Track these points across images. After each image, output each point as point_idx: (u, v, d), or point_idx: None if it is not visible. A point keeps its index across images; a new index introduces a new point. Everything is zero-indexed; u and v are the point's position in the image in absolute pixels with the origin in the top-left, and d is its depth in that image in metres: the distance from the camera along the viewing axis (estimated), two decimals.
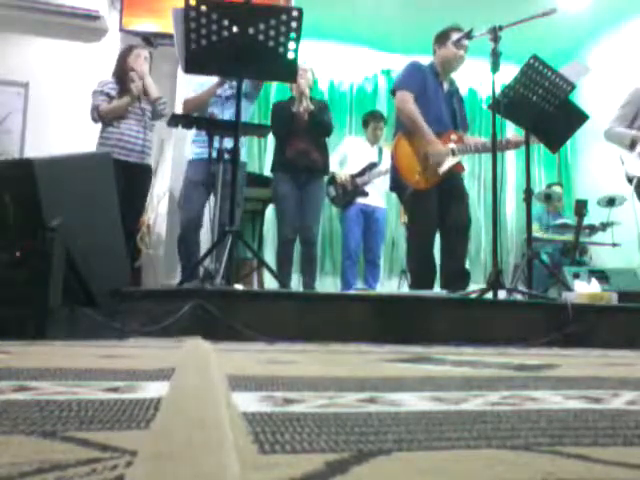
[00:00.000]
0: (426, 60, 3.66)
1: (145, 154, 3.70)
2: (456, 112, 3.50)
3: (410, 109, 3.32)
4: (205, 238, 3.69)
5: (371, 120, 4.82)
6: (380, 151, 4.77)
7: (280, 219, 3.94)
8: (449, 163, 3.30)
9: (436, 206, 3.31)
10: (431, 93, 3.40)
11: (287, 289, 3.07)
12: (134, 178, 3.55)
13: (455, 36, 3.41)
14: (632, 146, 3.68)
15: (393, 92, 3.48)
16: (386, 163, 4.62)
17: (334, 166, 4.79)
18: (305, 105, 3.82)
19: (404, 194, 3.43)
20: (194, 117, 3.61)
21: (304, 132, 3.86)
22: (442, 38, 3.51)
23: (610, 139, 3.85)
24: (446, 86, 3.54)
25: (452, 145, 3.32)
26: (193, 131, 3.76)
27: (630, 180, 3.75)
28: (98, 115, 3.62)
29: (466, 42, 3.42)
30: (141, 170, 3.67)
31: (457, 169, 3.36)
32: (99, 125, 3.70)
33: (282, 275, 3.88)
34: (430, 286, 3.26)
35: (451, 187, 3.35)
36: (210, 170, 3.44)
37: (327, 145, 4.10)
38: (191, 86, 3.87)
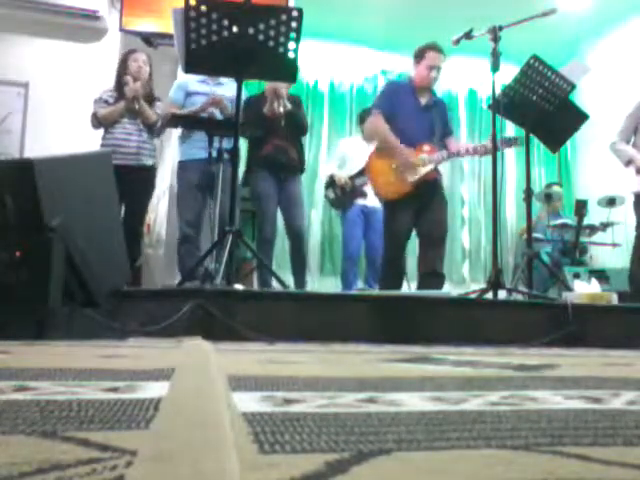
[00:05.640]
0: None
1: (142, 155, 3.69)
2: (434, 124, 3.59)
3: (378, 129, 3.56)
4: (205, 238, 3.69)
5: (368, 115, 4.82)
6: None
7: (262, 218, 3.84)
8: (419, 173, 3.44)
9: (411, 214, 3.48)
10: (405, 110, 3.54)
11: (287, 289, 3.07)
12: (133, 181, 3.55)
13: (431, 56, 3.52)
14: (627, 164, 3.75)
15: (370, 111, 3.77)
16: None
17: (333, 169, 4.79)
18: (282, 108, 3.73)
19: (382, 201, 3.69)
20: (194, 117, 3.62)
21: (280, 130, 3.76)
22: (417, 57, 3.60)
23: (613, 154, 3.92)
24: (424, 100, 3.63)
25: (423, 155, 3.46)
26: (179, 132, 3.77)
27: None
28: (97, 121, 3.68)
29: (439, 62, 3.54)
30: (139, 172, 3.67)
31: (430, 177, 3.50)
32: (94, 127, 3.74)
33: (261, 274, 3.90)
34: (398, 288, 3.52)
35: (429, 196, 3.51)
36: (206, 171, 3.46)
37: (303, 143, 4.05)
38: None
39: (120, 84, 3.69)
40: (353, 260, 4.62)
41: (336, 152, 4.90)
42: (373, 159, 3.61)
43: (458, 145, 3.65)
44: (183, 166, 3.74)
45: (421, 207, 3.48)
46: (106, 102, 3.69)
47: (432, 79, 3.57)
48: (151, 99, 3.76)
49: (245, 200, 4.13)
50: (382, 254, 3.63)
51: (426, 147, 3.49)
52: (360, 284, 4.77)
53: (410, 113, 3.54)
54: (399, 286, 3.57)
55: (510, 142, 3.36)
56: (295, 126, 3.84)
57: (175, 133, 4.47)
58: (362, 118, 4.86)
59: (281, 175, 3.81)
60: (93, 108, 3.70)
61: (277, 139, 3.79)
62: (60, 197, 1.88)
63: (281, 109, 3.74)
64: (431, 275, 3.46)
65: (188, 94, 3.75)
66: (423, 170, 3.44)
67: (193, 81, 3.77)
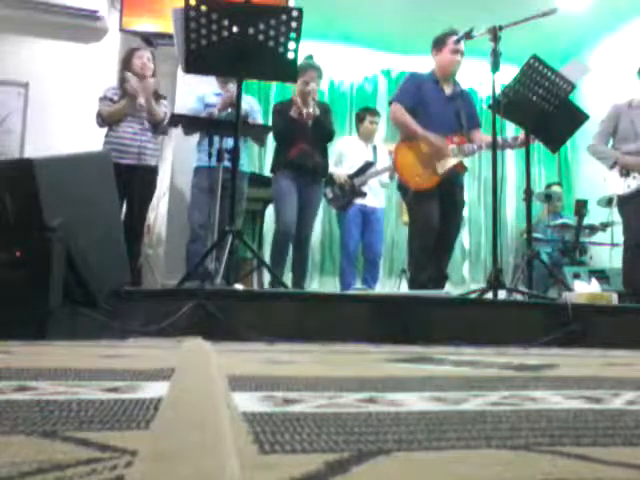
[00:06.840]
0: (426, 60, 3.67)
1: (145, 155, 3.69)
2: (460, 114, 3.54)
3: (402, 119, 3.47)
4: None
5: (367, 114, 4.83)
6: (374, 150, 4.76)
7: (280, 216, 3.88)
8: (449, 163, 3.37)
9: (437, 207, 3.38)
10: (430, 100, 3.49)
11: (287, 289, 3.07)
12: (135, 180, 3.55)
13: (451, 41, 3.48)
14: (612, 167, 3.75)
15: (390, 104, 3.63)
16: (382, 162, 4.62)
17: (330, 167, 4.79)
18: (310, 111, 3.78)
19: (407, 195, 3.55)
20: (194, 117, 3.62)
21: (307, 135, 3.83)
22: (438, 44, 3.57)
23: (593, 155, 3.92)
24: (449, 90, 3.59)
25: (452, 146, 3.40)
26: (196, 138, 3.79)
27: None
28: (101, 120, 3.68)
29: (462, 46, 3.50)
30: (142, 172, 3.66)
31: (458, 169, 3.44)
32: (100, 125, 3.73)
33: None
34: (430, 287, 3.30)
35: (451, 196, 3.46)
36: (217, 177, 3.47)
37: (327, 149, 4.10)
38: (190, 97, 3.90)
39: (124, 81, 3.69)
40: (350, 259, 4.61)
41: (333, 150, 4.91)
42: (400, 150, 3.51)
43: (488, 137, 3.47)
44: (197, 172, 3.79)
45: (443, 206, 3.40)
46: (111, 100, 3.68)
47: (457, 63, 3.53)
48: (157, 96, 3.76)
49: (248, 200, 4.14)
50: (410, 255, 3.53)
51: (456, 138, 3.44)
52: (358, 284, 4.76)
53: (435, 104, 3.48)
54: (431, 286, 3.31)
55: (515, 139, 3.38)
56: (322, 132, 3.89)
57: (176, 133, 4.48)
58: (361, 117, 4.86)
59: (306, 178, 3.86)
60: (98, 106, 3.69)
61: (303, 142, 3.83)
62: (60, 197, 1.88)
63: (310, 110, 3.77)
64: (436, 277, 3.40)
65: (206, 106, 3.77)
66: (452, 161, 3.38)
67: (210, 94, 3.84)
